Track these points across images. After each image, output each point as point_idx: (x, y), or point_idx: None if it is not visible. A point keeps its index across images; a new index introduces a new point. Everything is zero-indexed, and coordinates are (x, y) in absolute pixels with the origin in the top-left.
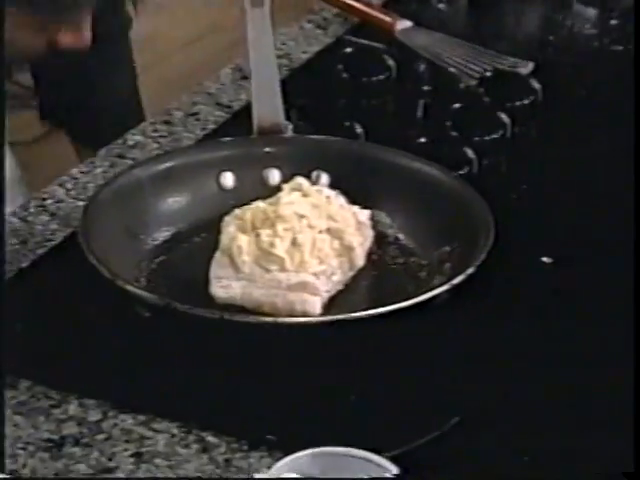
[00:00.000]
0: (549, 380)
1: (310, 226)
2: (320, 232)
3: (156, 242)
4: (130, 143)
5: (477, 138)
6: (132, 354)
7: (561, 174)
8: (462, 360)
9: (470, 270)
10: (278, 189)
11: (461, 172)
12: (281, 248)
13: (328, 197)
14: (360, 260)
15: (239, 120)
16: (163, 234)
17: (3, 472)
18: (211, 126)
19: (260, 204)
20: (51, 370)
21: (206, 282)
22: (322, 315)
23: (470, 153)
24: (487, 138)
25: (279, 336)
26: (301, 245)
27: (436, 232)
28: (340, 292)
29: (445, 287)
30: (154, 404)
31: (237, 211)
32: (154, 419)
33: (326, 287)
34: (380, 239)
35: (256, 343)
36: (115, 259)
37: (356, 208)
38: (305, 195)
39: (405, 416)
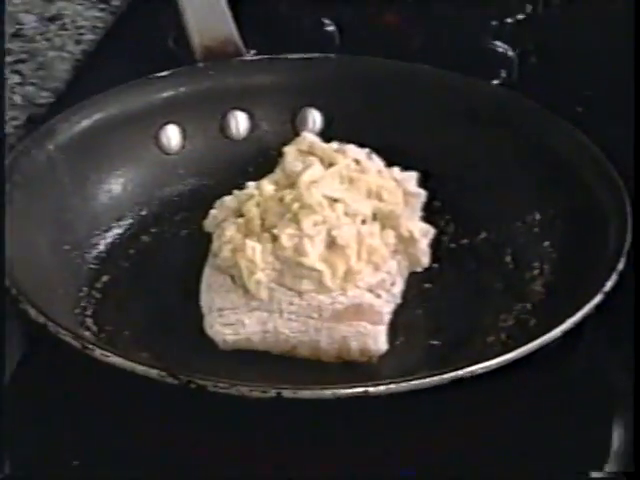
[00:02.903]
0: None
1: (349, 214)
2: (364, 221)
3: (90, 254)
4: None
5: (495, 22)
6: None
7: (627, 70)
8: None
9: (621, 264)
10: (250, 143)
11: (497, 81)
12: (314, 255)
13: (358, 161)
14: (425, 257)
15: (129, 24)
16: (97, 239)
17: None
18: (88, 36)
19: (266, 187)
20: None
21: (190, 314)
22: (388, 351)
23: (502, 48)
24: (510, 20)
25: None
26: (343, 246)
27: (512, 190)
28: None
29: (589, 308)
30: None
31: (228, 200)
32: None
33: (389, 307)
34: (425, 209)
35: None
36: (41, 294)
37: (397, 171)
38: (324, 162)
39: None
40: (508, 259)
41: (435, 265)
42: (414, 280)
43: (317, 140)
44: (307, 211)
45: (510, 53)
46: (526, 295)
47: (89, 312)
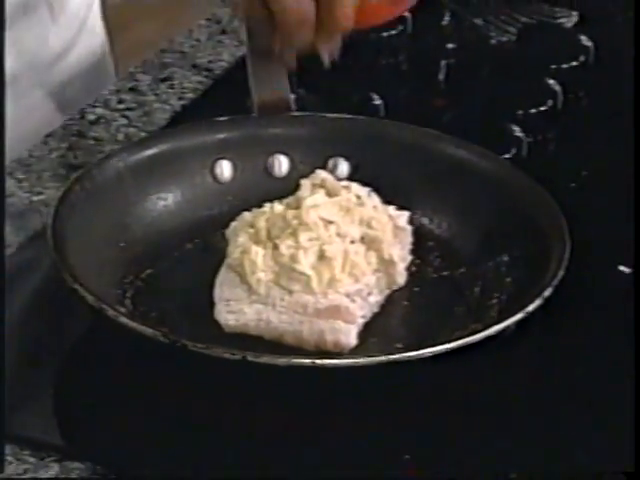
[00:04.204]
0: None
1: (340, 235)
2: (352, 242)
3: (140, 251)
4: (90, 118)
5: (521, 111)
6: (125, 401)
7: (628, 156)
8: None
9: (548, 292)
10: (288, 181)
11: (507, 155)
12: (306, 263)
13: (359, 196)
14: (401, 277)
15: (223, 87)
16: (148, 241)
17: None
18: (189, 95)
19: (276, 207)
20: (22, 426)
21: (208, 303)
22: (359, 346)
23: (517, 131)
24: (534, 111)
25: (309, 379)
26: (331, 259)
27: (490, 236)
28: (375, 315)
29: (519, 316)
30: (156, 468)
31: (247, 215)
32: None
33: (362, 312)
34: (419, 245)
35: (282, 385)
36: (92, 276)
37: (392, 209)
38: (330, 194)
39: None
40: (477, 290)
41: (416, 289)
42: (396, 298)
43: (329, 176)
44: (304, 227)
45: (521, 135)
46: (481, 318)
47: (129, 295)
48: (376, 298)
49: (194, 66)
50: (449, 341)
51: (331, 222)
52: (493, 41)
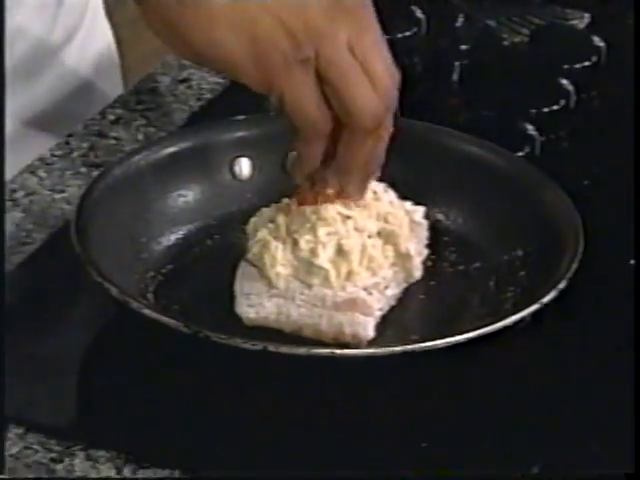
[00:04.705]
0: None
1: (357, 229)
2: (370, 236)
3: (161, 247)
4: (111, 118)
5: (534, 110)
6: (148, 391)
7: (638, 152)
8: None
9: (562, 284)
10: None
11: (520, 153)
12: (324, 257)
13: (375, 192)
14: (418, 271)
15: (241, 88)
16: (169, 237)
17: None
18: (207, 95)
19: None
20: (48, 415)
21: (228, 297)
22: (377, 338)
23: (530, 129)
24: (547, 110)
25: (327, 367)
26: (348, 253)
27: (505, 231)
28: (392, 308)
29: (534, 307)
30: (183, 456)
31: (266, 211)
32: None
33: (379, 304)
34: (435, 240)
35: (302, 377)
36: (115, 271)
37: (409, 204)
38: None
39: (482, 468)
40: (492, 284)
41: (432, 283)
42: (413, 291)
43: None
44: (323, 223)
45: (534, 133)
46: (496, 311)
47: (151, 289)
48: (393, 291)
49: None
50: (464, 332)
51: (349, 217)
52: (506, 42)
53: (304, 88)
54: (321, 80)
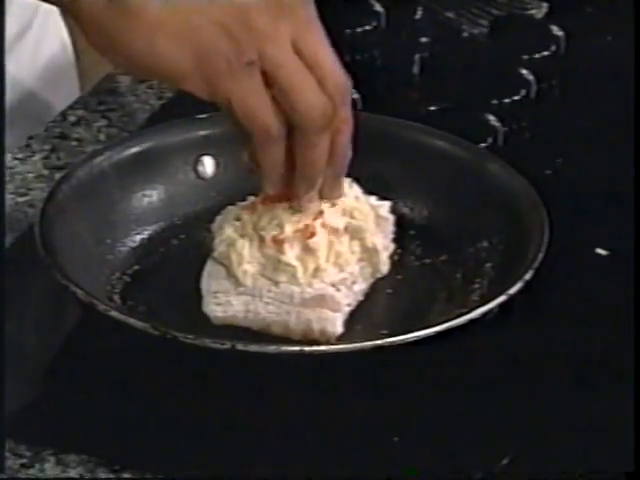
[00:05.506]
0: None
1: (324, 225)
2: (336, 232)
3: (126, 248)
4: (72, 119)
5: (495, 101)
6: (117, 393)
7: (600, 140)
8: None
9: (528, 275)
10: None
11: (483, 145)
12: (291, 254)
13: None
14: (385, 265)
15: None
16: (134, 237)
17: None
18: (168, 94)
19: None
20: (17, 420)
21: (195, 296)
22: (345, 334)
23: (492, 120)
24: (508, 100)
25: (296, 365)
26: (315, 250)
27: (470, 223)
28: (360, 303)
29: (501, 298)
30: (152, 459)
31: (232, 209)
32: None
33: (347, 300)
34: (401, 234)
35: (271, 374)
36: (81, 273)
37: (374, 199)
38: None
39: (452, 459)
40: (458, 276)
41: (399, 276)
42: (380, 286)
43: None
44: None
45: (496, 124)
46: (464, 303)
47: (117, 290)
48: (361, 287)
49: None
50: (433, 325)
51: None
52: (465, 34)
53: (251, 92)
54: (268, 82)
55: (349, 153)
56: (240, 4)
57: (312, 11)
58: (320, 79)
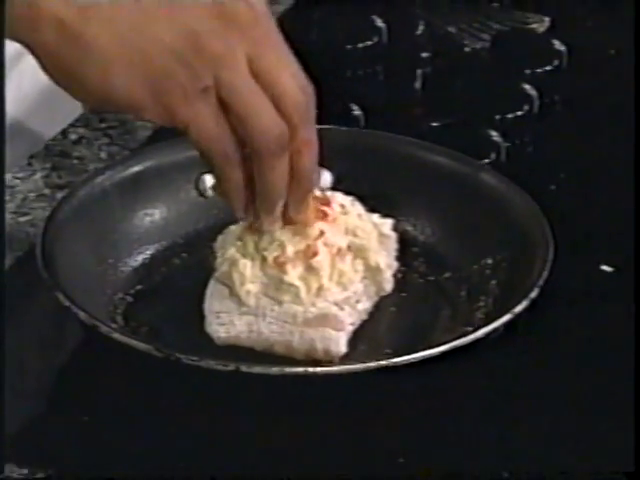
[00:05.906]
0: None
1: (327, 244)
2: (339, 251)
3: (129, 267)
4: (72, 137)
5: (498, 116)
6: (119, 415)
7: (603, 155)
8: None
9: (534, 293)
10: None
11: (486, 160)
12: (294, 274)
13: (342, 205)
14: (388, 283)
15: None
16: (136, 257)
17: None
18: None
19: None
20: (20, 443)
21: (198, 316)
22: (349, 353)
23: (495, 135)
24: (510, 115)
25: (299, 385)
26: (318, 269)
27: (473, 240)
28: (364, 322)
29: (506, 317)
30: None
31: (234, 228)
32: None
33: (351, 319)
34: (404, 252)
35: (275, 395)
36: (83, 293)
37: (376, 217)
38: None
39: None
40: (463, 294)
41: (403, 294)
42: (383, 304)
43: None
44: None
45: (499, 140)
46: (468, 321)
47: (119, 311)
48: (364, 305)
49: None
50: (437, 345)
51: (322, 232)
52: (467, 49)
53: (207, 118)
54: (224, 106)
55: (315, 175)
56: (192, 29)
57: (269, 26)
58: (276, 99)
